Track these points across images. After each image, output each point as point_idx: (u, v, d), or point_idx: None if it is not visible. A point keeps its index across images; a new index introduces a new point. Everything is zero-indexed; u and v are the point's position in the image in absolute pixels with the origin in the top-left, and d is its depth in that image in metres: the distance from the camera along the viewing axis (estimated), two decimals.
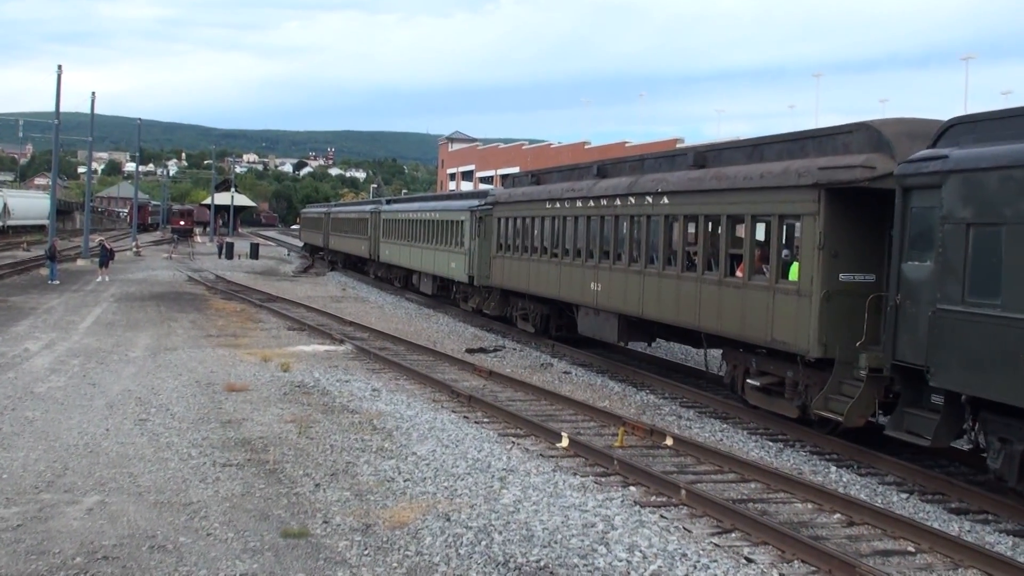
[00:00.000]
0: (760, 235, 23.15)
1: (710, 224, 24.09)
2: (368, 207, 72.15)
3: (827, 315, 19.52)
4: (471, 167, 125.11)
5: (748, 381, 22.80)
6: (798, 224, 20.95)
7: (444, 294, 50.22)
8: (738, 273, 22.55)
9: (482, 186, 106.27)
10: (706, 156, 24.91)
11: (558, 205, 32.70)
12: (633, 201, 27.39)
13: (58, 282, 56.75)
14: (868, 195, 19.25)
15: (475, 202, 43.65)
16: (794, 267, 20.78)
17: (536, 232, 34.86)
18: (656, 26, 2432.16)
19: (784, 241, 21.68)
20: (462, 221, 44.37)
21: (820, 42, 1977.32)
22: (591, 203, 30.16)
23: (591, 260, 30.12)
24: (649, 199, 26.49)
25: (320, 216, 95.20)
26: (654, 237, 26.65)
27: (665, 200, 25.70)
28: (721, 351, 24.94)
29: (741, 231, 23.15)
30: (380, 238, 64.37)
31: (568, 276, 31.72)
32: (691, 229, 25.25)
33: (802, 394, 20.94)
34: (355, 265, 77.82)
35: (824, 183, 19.50)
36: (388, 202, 70.47)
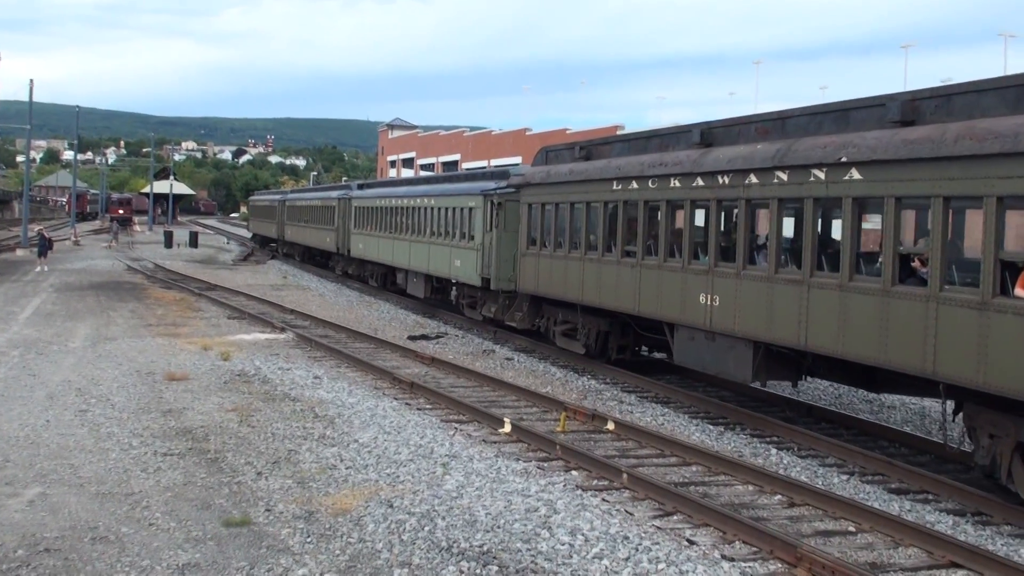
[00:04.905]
0: None
1: (952, 211, 16.34)
2: (335, 193, 62.98)
3: None
4: (412, 154, 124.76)
5: None
6: None
7: (439, 297, 41.95)
8: (1019, 291, 14.72)
9: (423, 172, 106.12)
10: (919, 108, 16.73)
11: (633, 185, 24.38)
12: (785, 178, 19.02)
13: None
14: None
15: (491, 184, 34.75)
16: None
17: (593, 223, 26.72)
18: (599, 14, 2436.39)
19: None
20: (471, 208, 35.60)
21: (761, 30, 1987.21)
22: (698, 181, 21.79)
23: (698, 262, 21.96)
24: (819, 174, 18.06)
25: (273, 204, 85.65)
26: (829, 229, 19.60)
27: (854, 175, 17.24)
28: (956, 408, 17.17)
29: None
30: (351, 229, 55.46)
31: (654, 283, 23.39)
32: (908, 218, 17.86)
33: None
34: (316, 260, 69.27)
35: None
36: (360, 186, 61.08)
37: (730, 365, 21.07)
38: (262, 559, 12.07)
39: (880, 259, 17.03)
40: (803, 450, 19.26)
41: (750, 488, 16.50)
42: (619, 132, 59.61)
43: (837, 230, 18.47)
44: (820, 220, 19.01)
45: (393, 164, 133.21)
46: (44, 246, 61.07)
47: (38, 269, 58.52)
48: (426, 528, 13.24)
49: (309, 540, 12.81)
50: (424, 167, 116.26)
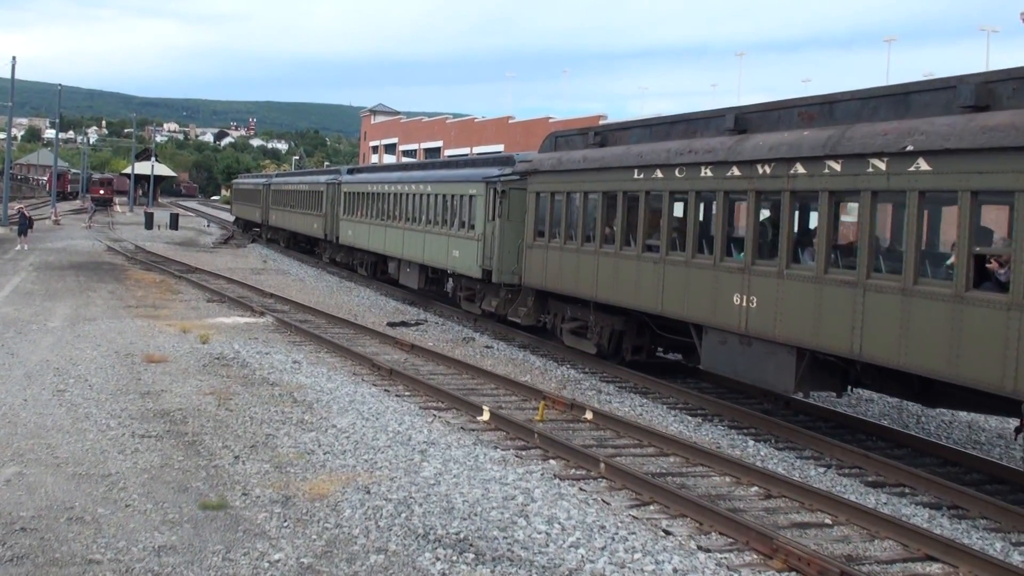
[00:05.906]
0: None
1: None
2: (323, 177, 60.06)
3: None
4: (394, 140, 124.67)
5: None
6: None
7: (434, 288, 40.54)
8: None
9: (404, 158, 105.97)
10: (995, 91, 14.95)
11: (657, 174, 22.47)
12: (838, 168, 17.16)
13: None
14: None
15: (494, 171, 32.56)
16: None
17: (610, 214, 24.69)
18: (582, 3, 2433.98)
19: None
20: (473, 196, 33.47)
21: (745, 21, 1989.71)
22: (734, 171, 19.88)
23: (732, 259, 20.15)
24: (879, 164, 16.28)
25: (257, 188, 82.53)
26: (888, 227, 18.16)
27: (922, 165, 15.45)
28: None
29: None
30: (340, 215, 53.26)
31: (681, 280, 21.56)
32: (986, 215, 15.93)
33: None
34: (302, 246, 67.28)
35: None
36: (351, 171, 58.22)
37: (769, 373, 19.29)
38: (238, 543, 12.06)
39: (951, 259, 15.26)
40: (781, 442, 19.30)
41: (727, 479, 16.53)
42: (602, 122, 59.53)
43: (898, 226, 16.92)
44: (875, 215, 16.93)
45: (375, 150, 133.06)
46: (24, 225, 60.87)
47: (18, 248, 58.31)
48: (403, 515, 13.25)
49: (286, 524, 12.80)
50: (406, 153, 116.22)
